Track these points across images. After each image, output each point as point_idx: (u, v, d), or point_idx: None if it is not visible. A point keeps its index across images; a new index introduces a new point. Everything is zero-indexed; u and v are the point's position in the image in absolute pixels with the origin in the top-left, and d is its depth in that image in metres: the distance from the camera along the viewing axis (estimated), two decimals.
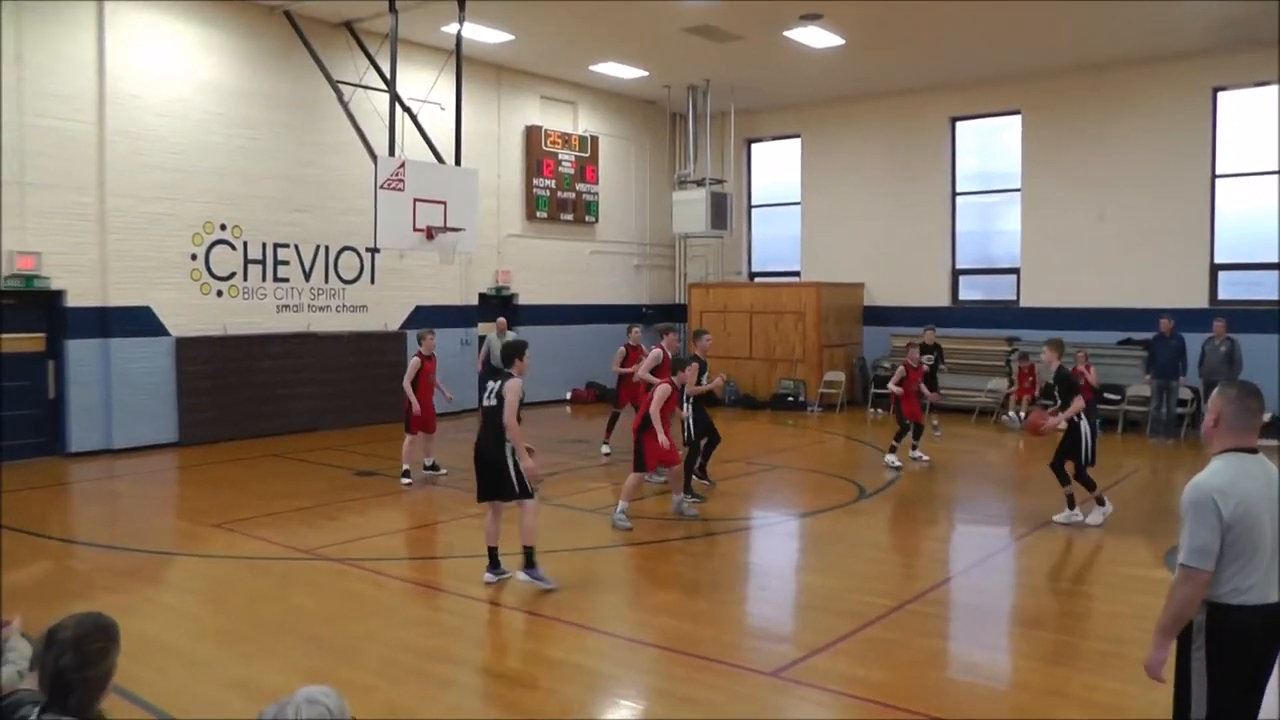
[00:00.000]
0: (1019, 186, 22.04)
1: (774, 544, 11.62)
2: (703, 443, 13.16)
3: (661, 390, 11.47)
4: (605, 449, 16.29)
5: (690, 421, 12.68)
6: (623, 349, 16.16)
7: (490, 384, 9.20)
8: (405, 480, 13.88)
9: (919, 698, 6.59)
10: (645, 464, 11.56)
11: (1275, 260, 18.88)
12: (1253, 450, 4.42)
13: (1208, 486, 4.29)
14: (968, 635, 8.30)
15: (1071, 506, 11.75)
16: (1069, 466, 11.83)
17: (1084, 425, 11.73)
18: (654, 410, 11.34)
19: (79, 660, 3.28)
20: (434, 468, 14.46)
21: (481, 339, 19.86)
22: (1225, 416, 4.43)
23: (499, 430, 8.94)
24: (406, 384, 14.08)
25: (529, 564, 9.03)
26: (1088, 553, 10.57)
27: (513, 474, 8.96)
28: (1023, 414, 19.49)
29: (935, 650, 7.86)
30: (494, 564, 9.25)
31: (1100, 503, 11.76)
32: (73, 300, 15.68)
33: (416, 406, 14.06)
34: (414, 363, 14.15)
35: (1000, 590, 9.72)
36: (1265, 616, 4.29)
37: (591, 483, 14.55)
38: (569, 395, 21.94)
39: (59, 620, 3.40)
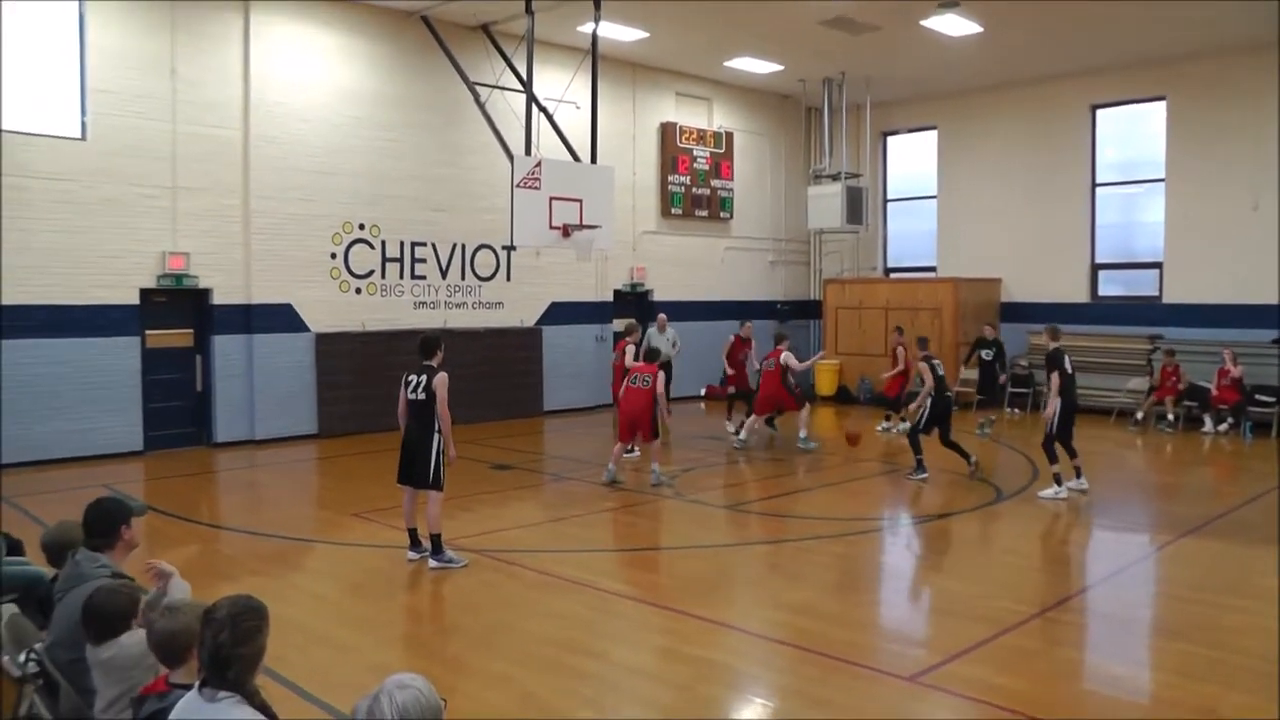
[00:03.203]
0: (1163, 176, 21.19)
1: (909, 546, 11.39)
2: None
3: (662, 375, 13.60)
4: (738, 436, 16.83)
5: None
6: (732, 338, 17.88)
7: (414, 377, 9.55)
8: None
9: (1059, 709, 6.35)
10: (658, 432, 13.60)
11: None
12: None
13: None
14: (1109, 646, 7.92)
15: (1058, 482, 12.77)
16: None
17: (1055, 404, 12.92)
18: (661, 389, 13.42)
19: (234, 637, 3.46)
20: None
21: (615, 335, 19.95)
22: None
23: (426, 422, 9.43)
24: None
25: (436, 550, 9.50)
26: (1238, 563, 10.05)
27: (431, 464, 9.47)
28: (1170, 415, 18.88)
29: (1075, 661, 7.55)
30: (414, 543, 9.73)
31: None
32: (219, 298, 16.22)
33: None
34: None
35: (1143, 600, 9.29)
36: None
37: (723, 479, 14.51)
38: (703, 391, 21.87)
39: (215, 601, 3.59)
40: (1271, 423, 18.28)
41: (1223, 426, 18.48)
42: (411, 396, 9.52)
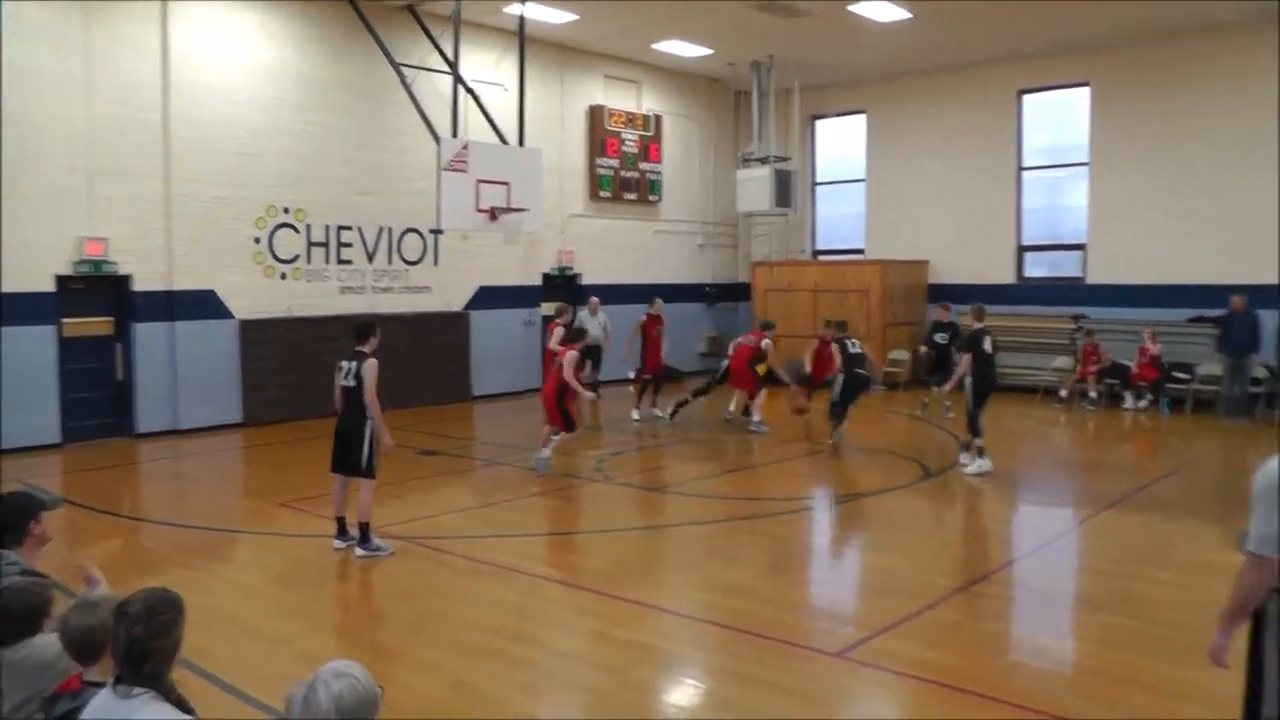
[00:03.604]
0: (1087, 160, 21.55)
1: (837, 524, 11.50)
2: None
3: (570, 356, 13.13)
4: (637, 415, 17.73)
5: None
6: (644, 317, 18.01)
7: (346, 363, 9.48)
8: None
9: (985, 681, 6.45)
10: (573, 424, 13.29)
11: None
12: None
13: (1278, 471, 4.07)
14: (1034, 619, 8.12)
15: (981, 455, 13.04)
16: None
17: (955, 381, 13.77)
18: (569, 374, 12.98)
19: (150, 631, 3.37)
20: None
21: (545, 319, 19.86)
22: None
23: (358, 409, 9.35)
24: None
25: (364, 539, 9.42)
26: (1156, 536, 10.26)
27: (365, 452, 9.40)
28: (1092, 393, 19.22)
29: (1000, 633, 7.75)
30: (341, 532, 9.63)
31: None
32: (139, 284, 15.84)
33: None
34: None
35: (1066, 573, 9.50)
36: None
37: (653, 462, 14.53)
38: (632, 375, 21.91)
39: (128, 596, 3.50)
40: (1186, 399, 18.70)
41: (1142, 403, 18.87)
42: (343, 383, 9.45)
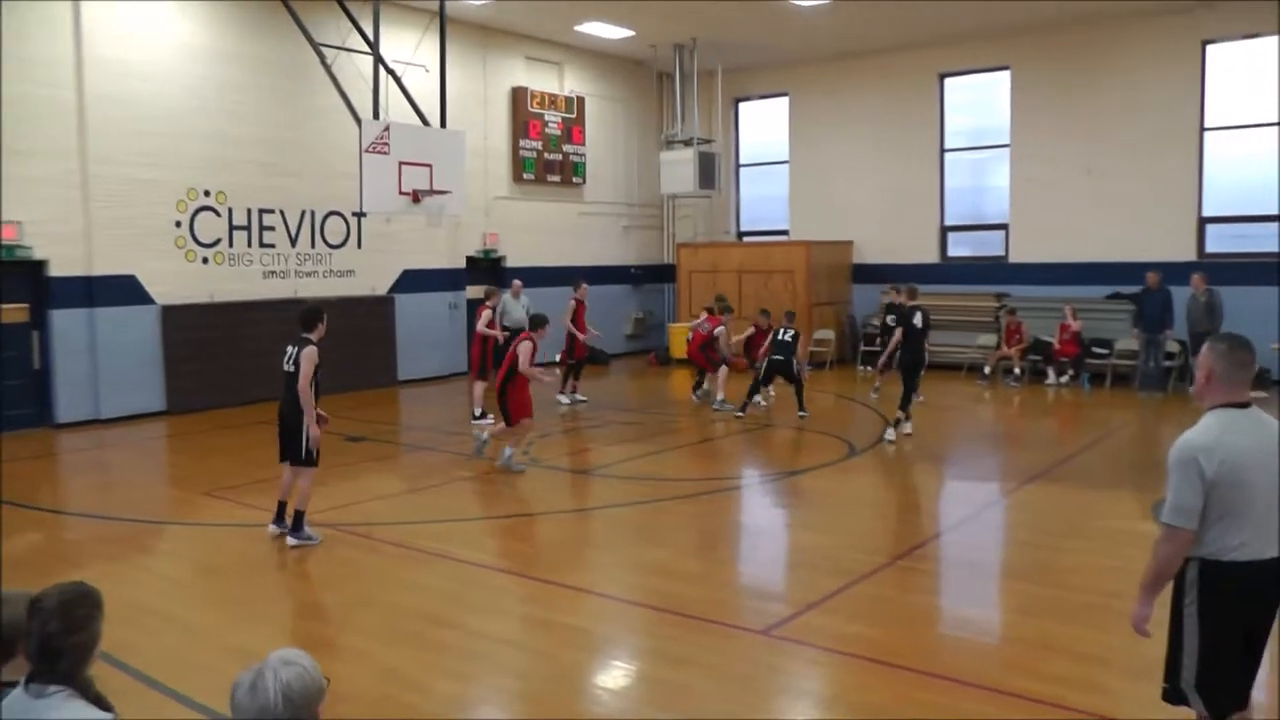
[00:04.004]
0: (1008, 142, 21.91)
1: (765, 502, 11.64)
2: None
3: (525, 346, 12.26)
4: (564, 399, 17.62)
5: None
6: (572, 303, 17.76)
7: (289, 348, 9.37)
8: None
9: (910, 653, 6.60)
10: (511, 419, 12.35)
11: (1262, 213, 18.88)
12: (1244, 405, 4.33)
13: (1192, 445, 4.23)
14: (958, 590, 8.36)
15: (896, 426, 13.95)
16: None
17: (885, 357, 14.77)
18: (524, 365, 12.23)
19: (65, 626, 3.27)
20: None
21: (472, 303, 19.77)
22: (1217, 372, 4.32)
23: (296, 396, 9.26)
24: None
25: (296, 527, 9.33)
26: (1076, 507, 10.57)
27: (305, 439, 9.32)
28: (1016, 369, 19.60)
29: (926, 606, 7.91)
30: (279, 517, 9.55)
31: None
32: (56, 270, 15.51)
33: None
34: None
35: (990, 545, 9.77)
36: (1260, 572, 4.23)
37: (581, 445, 14.57)
38: (558, 357, 21.92)
39: (42, 590, 3.39)
40: (1106, 374, 19.15)
41: (1064, 378, 19.31)
42: (285, 369, 9.35)
